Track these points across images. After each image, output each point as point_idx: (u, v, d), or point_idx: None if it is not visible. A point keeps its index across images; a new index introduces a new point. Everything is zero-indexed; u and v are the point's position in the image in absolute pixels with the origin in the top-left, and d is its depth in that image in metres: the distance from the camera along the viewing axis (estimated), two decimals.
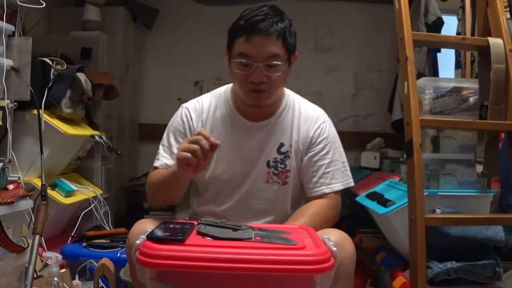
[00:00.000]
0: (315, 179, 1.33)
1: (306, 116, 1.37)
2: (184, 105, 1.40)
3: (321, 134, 1.35)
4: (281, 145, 1.33)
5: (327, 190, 1.32)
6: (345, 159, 1.37)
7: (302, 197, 1.39)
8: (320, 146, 1.34)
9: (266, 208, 1.34)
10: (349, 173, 1.37)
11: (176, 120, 1.39)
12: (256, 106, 1.30)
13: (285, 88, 1.38)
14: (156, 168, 1.34)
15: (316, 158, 1.33)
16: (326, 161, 1.33)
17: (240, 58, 1.22)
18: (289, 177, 1.34)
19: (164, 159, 1.34)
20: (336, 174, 1.33)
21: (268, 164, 1.33)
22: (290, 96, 1.40)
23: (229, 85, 1.40)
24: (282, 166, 1.33)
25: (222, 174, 1.34)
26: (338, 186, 1.33)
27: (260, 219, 1.33)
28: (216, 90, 1.42)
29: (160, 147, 1.37)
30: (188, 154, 1.07)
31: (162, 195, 1.31)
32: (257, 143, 1.33)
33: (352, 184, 1.37)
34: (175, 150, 1.30)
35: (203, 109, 1.37)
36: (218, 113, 1.36)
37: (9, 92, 1.66)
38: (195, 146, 1.07)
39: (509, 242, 1.71)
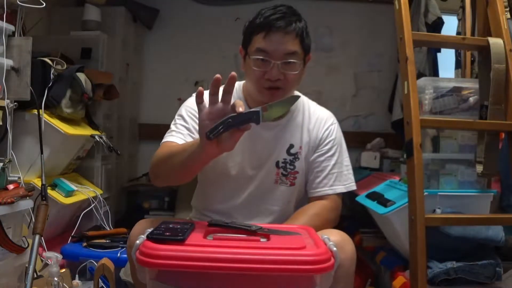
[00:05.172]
0: (318, 180, 1.33)
1: (316, 118, 1.37)
2: None
3: (329, 135, 1.36)
4: (291, 146, 1.33)
5: (330, 192, 1.32)
6: (349, 163, 1.38)
7: (305, 199, 1.39)
8: (327, 147, 1.35)
9: (272, 208, 1.34)
10: (352, 176, 1.37)
11: (192, 103, 1.30)
12: None
13: (295, 90, 1.38)
14: (167, 143, 1.24)
15: (322, 158, 1.34)
16: (332, 162, 1.34)
17: (258, 54, 1.21)
18: (297, 178, 1.34)
19: (179, 135, 1.25)
20: (339, 177, 1.33)
21: (277, 165, 1.33)
22: (301, 98, 1.39)
23: (241, 83, 1.39)
24: (291, 167, 1.33)
25: (231, 170, 1.32)
26: (340, 188, 1.33)
27: (264, 219, 1.33)
28: None
29: (173, 126, 1.30)
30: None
31: (171, 171, 1.15)
32: (267, 143, 1.33)
33: (354, 187, 1.37)
34: (192, 128, 1.26)
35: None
36: None
37: (9, 92, 1.66)
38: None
39: (509, 242, 1.72)
